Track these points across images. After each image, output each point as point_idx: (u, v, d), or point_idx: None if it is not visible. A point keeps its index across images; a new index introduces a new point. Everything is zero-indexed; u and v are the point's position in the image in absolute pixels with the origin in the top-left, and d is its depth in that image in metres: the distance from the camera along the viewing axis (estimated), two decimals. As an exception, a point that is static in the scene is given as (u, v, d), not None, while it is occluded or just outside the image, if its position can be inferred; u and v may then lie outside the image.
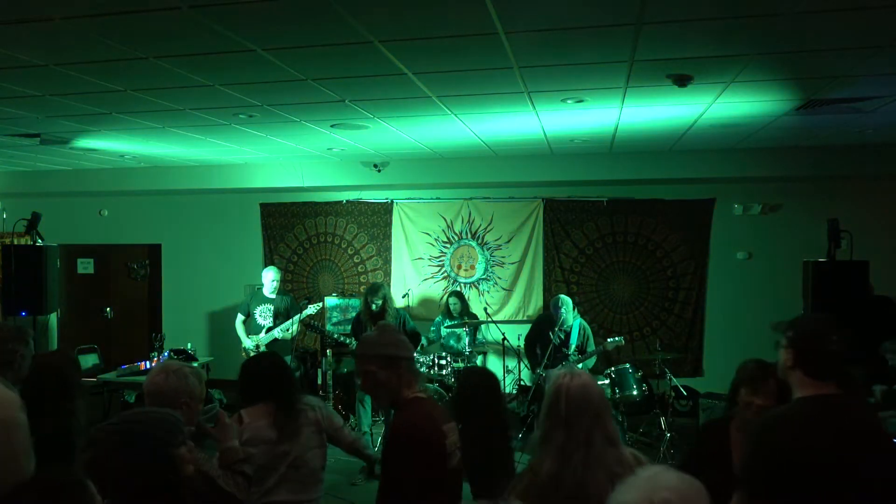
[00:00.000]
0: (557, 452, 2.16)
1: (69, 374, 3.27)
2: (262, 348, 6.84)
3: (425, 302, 8.38)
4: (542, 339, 6.46)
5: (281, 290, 7.18)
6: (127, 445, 1.76)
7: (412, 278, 8.42)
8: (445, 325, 7.34)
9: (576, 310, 6.54)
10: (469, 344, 6.98)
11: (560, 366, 6.18)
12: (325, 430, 3.13)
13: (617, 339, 6.23)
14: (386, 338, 2.45)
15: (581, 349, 6.37)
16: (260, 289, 7.15)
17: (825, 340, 2.23)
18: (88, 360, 7.81)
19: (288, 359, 6.88)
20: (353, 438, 3.31)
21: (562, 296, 6.50)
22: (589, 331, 6.53)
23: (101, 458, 1.74)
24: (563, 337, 6.38)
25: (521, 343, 7.57)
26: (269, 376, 3.07)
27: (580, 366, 6.12)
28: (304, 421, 3.03)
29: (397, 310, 6.91)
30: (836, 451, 2.06)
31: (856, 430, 2.13)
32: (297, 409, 3.02)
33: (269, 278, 7.03)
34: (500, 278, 8.23)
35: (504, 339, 7.00)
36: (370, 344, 2.46)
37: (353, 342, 6.30)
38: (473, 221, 8.28)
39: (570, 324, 6.37)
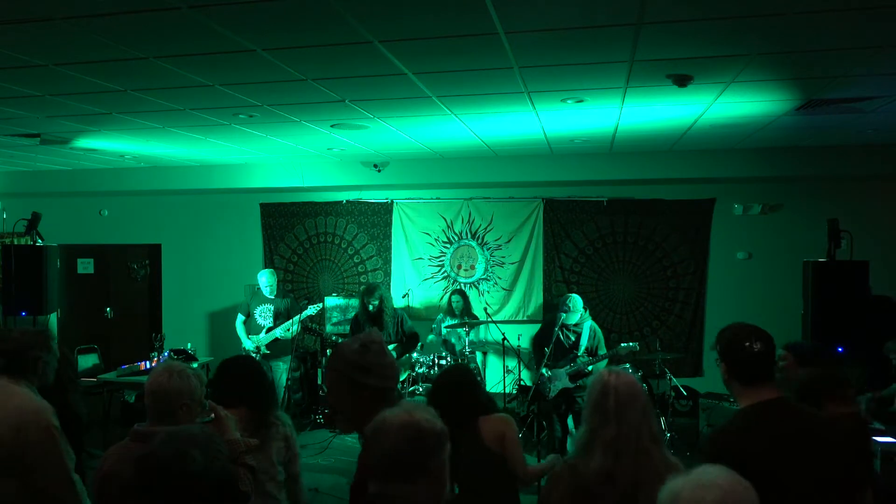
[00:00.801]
0: (608, 448, 2.13)
1: (63, 368, 3.28)
2: (263, 349, 6.84)
3: (425, 302, 8.38)
4: (550, 340, 6.42)
5: (281, 291, 7.18)
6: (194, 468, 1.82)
7: (412, 278, 8.42)
8: (446, 323, 7.35)
9: (587, 311, 6.47)
10: (469, 343, 6.98)
11: (569, 366, 6.16)
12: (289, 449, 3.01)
13: (631, 344, 6.15)
14: (361, 357, 1.99)
15: (591, 351, 6.31)
16: (260, 289, 7.15)
17: (747, 345, 2.27)
18: (88, 360, 7.81)
19: (288, 359, 6.91)
20: (295, 484, 3.04)
21: (572, 294, 6.44)
22: (600, 334, 6.41)
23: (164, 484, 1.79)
24: (573, 339, 6.33)
25: (520, 343, 7.58)
26: (246, 381, 2.98)
27: (590, 368, 6.10)
28: (275, 434, 2.94)
29: (395, 310, 6.91)
30: (773, 456, 2.10)
31: (792, 433, 2.16)
32: (269, 421, 2.94)
33: (264, 282, 7.04)
34: (500, 278, 8.23)
35: (504, 339, 7.00)
36: (340, 356, 2.03)
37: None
38: (473, 221, 8.27)
39: (575, 321, 6.30)
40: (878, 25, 3.22)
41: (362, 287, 7.56)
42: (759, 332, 2.30)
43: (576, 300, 6.30)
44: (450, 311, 7.52)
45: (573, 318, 6.27)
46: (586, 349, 6.30)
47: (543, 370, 6.20)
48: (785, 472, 2.09)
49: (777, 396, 2.25)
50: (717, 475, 1.48)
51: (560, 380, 6.13)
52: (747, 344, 2.26)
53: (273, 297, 7.01)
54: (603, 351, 6.31)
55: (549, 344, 6.26)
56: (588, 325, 6.36)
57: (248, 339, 6.97)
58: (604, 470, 2.11)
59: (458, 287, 8.09)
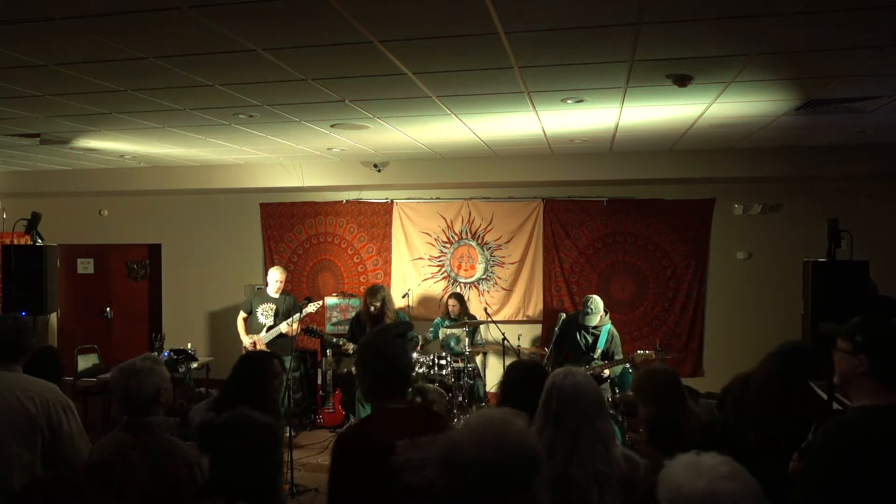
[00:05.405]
0: (545, 446, 2.18)
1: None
2: (262, 347, 6.84)
3: (425, 302, 8.38)
4: (569, 340, 6.42)
5: (283, 290, 7.18)
6: None
7: (412, 278, 8.42)
8: (444, 325, 7.34)
9: (607, 314, 6.45)
10: (469, 345, 6.97)
11: (584, 368, 6.14)
12: None
13: (646, 352, 6.19)
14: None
15: (607, 355, 6.29)
16: (262, 288, 7.15)
17: None
18: (88, 360, 7.80)
19: (288, 359, 6.90)
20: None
21: (594, 296, 6.41)
22: (618, 338, 6.38)
23: None
24: (590, 340, 6.31)
25: (520, 342, 7.57)
26: (235, 377, 3.12)
27: (606, 372, 6.08)
28: None
29: (396, 311, 6.91)
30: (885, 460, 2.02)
31: None
32: None
33: (273, 278, 7.05)
34: (500, 278, 8.23)
35: (504, 339, 7.00)
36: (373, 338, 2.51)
37: (351, 344, 6.29)
38: (473, 221, 8.27)
39: (594, 324, 6.26)
40: (879, 25, 3.22)
41: (365, 287, 7.57)
42: None
43: (597, 302, 6.27)
44: (447, 315, 7.52)
45: (593, 320, 6.25)
46: (602, 352, 6.27)
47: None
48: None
49: None
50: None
51: None
52: None
53: (276, 297, 7.03)
54: (619, 356, 6.28)
55: (569, 344, 6.26)
56: (607, 328, 6.32)
57: (248, 336, 6.98)
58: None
59: (457, 289, 8.09)
